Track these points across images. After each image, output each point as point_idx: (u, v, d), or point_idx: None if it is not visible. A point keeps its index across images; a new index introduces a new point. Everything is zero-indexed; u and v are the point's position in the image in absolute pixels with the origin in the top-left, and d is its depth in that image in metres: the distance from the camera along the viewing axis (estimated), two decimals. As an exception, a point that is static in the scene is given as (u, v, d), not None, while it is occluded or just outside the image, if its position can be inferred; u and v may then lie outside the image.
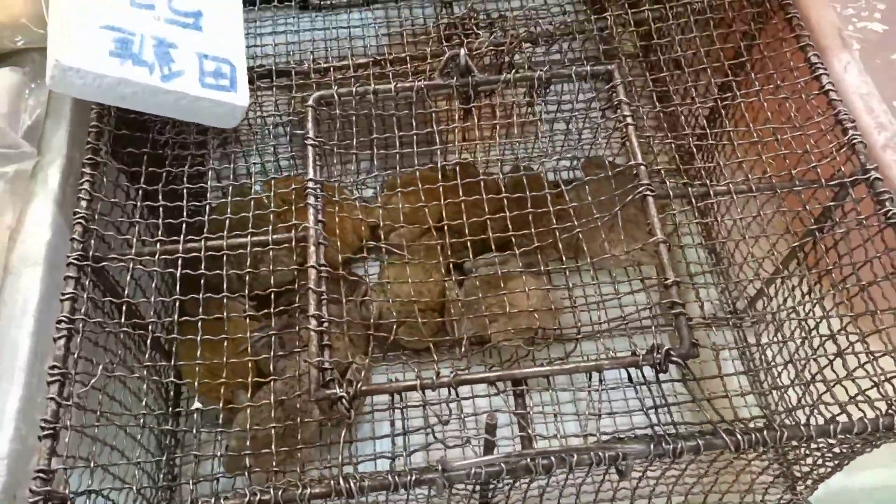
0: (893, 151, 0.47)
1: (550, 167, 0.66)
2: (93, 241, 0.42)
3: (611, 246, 0.60)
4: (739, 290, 0.60)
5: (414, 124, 0.50)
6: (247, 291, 0.43)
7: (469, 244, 0.49)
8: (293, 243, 0.44)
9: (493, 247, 0.51)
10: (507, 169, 0.65)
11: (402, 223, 0.59)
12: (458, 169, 0.57)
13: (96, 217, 0.43)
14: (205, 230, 0.45)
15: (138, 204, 0.48)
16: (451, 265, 0.61)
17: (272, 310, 0.45)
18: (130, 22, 0.46)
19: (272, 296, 0.46)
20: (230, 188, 0.50)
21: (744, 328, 0.61)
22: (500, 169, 0.62)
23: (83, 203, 0.42)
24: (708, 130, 0.51)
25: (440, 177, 0.51)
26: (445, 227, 0.53)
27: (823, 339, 0.45)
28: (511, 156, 0.66)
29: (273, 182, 0.59)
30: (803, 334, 0.48)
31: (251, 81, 0.52)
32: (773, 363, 0.55)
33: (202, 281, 0.44)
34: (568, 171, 0.68)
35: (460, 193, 0.49)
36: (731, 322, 0.61)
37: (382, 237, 0.60)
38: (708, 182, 0.47)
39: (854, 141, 0.47)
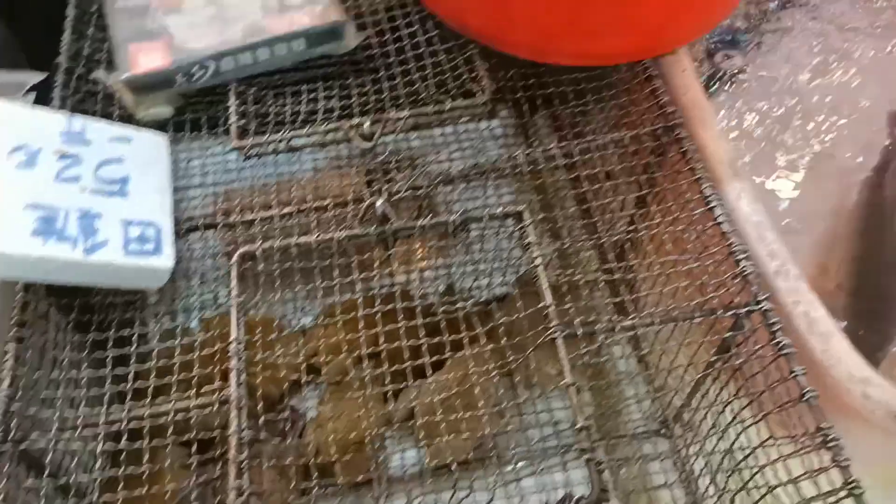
0: (784, 279, 0.51)
1: (483, 285, 0.68)
2: (15, 421, 0.43)
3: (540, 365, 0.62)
4: (664, 403, 0.62)
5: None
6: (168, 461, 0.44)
7: (407, 370, 0.50)
8: (216, 406, 0.46)
9: (431, 370, 0.53)
10: (440, 290, 0.68)
11: (339, 353, 0.60)
12: (393, 294, 0.59)
13: (18, 395, 0.44)
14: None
15: (67, 375, 0.49)
16: (388, 394, 0.63)
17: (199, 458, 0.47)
18: (55, 197, 0.48)
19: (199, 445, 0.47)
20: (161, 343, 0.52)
21: (674, 439, 0.63)
22: (434, 291, 0.64)
23: (5, 382, 0.44)
24: (616, 264, 0.54)
25: (376, 304, 0.53)
26: (383, 354, 0.55)
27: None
28: (444, 273, 0.69)
29: (208, 321, 0.61)
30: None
31: (180, 235, 0.54)
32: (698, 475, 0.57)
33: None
34: (500, 286, 0.70)
35: (397, 319, 0.51)
36: (661, 433, 0.63)
37: (320, 369, 0.62)
38: (612, 318, 0.50)
39: (746, 272, 0.50)
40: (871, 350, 0.59)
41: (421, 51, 0.65)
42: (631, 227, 0.54)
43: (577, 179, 0.57)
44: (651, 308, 0.51)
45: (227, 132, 0.59)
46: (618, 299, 0.57)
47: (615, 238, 0.53)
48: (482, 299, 0.66)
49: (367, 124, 0.57)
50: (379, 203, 0.52)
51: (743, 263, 0.50)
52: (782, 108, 0.73)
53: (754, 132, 0.72)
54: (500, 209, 0.53)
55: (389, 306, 0.52)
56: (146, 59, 0.58)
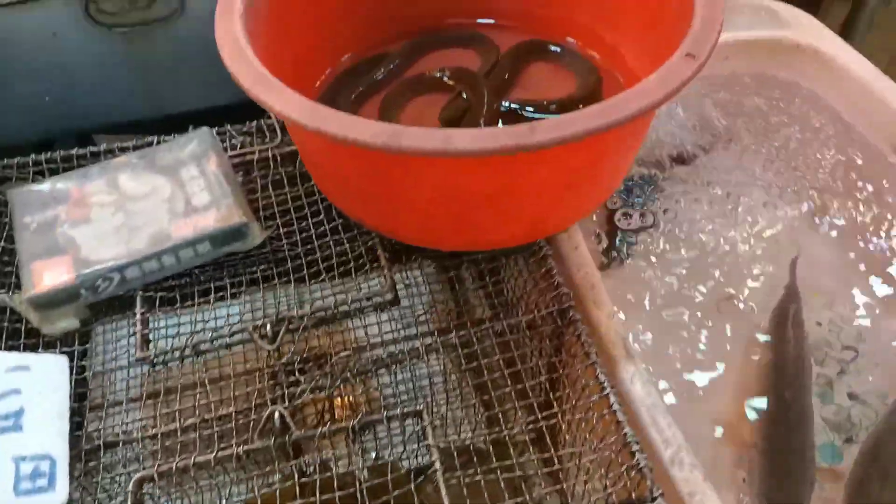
0: (679, 468, 0.51)
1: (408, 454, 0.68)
2: None
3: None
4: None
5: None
6: None
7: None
8: None
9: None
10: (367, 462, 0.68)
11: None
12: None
13: None
14: None
15: None
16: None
17: None
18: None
19: None
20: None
21: None
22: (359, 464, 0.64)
23: None
24: (516, 460, 0.55)
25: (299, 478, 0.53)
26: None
27: None
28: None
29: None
30: None
31: (81, 458, 0.54)
32: None
33: None
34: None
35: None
36: None
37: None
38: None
39: (640, 465, 0.51)
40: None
41: (326, 239, 0.67)
42: (531, 419, 0.55)
43: (478, 370, 0.58)
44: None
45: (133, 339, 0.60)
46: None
47: (515, 431, 0.54)
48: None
49: (268, 326, 0.59)
50: (277, 414, 0.52)
51: (637, 456, 0.51)
52: (681, 267, 0.76)
53: (658, 292, 0.74)
54: (398, 409, 0.54)
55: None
56: (50, 276, 0.59)
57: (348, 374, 0.58)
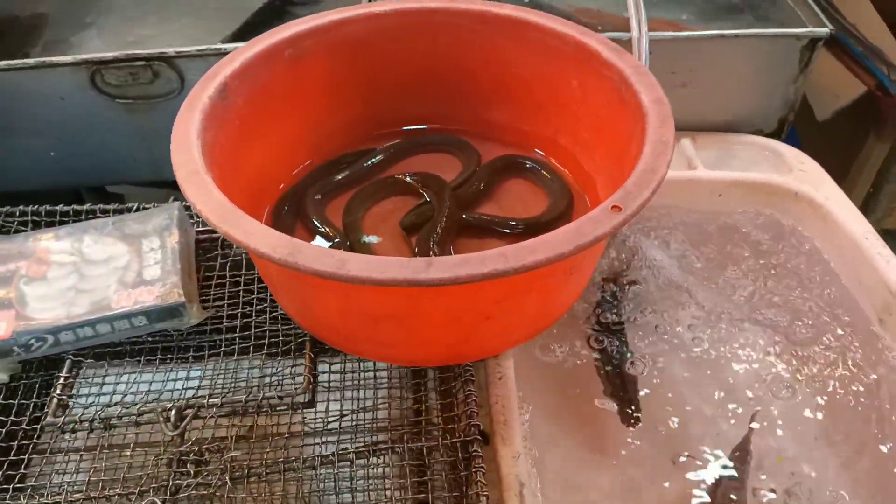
0: None
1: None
2: None
3: None
4: None
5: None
6: None
7: None
8: None
9: None
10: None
11: None
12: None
13: None
14: None
15: None
16: None
17: None
18: None
19: None
20: None
21: None
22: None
23: None
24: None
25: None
26: None
27: None
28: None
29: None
30: None
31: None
32: None
33: None
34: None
35: None
36: None
37: None
38: None
39: None
40: None
41: (264, 328, 0.68)
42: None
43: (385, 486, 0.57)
44: None
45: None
46: None
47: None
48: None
49: (174, 411, 0.60)
50: (148, 506, 0.53)
51: None
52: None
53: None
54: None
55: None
56: (-12, 329, 0.63)
57: (239, 475, 0.58)
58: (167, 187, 0.94)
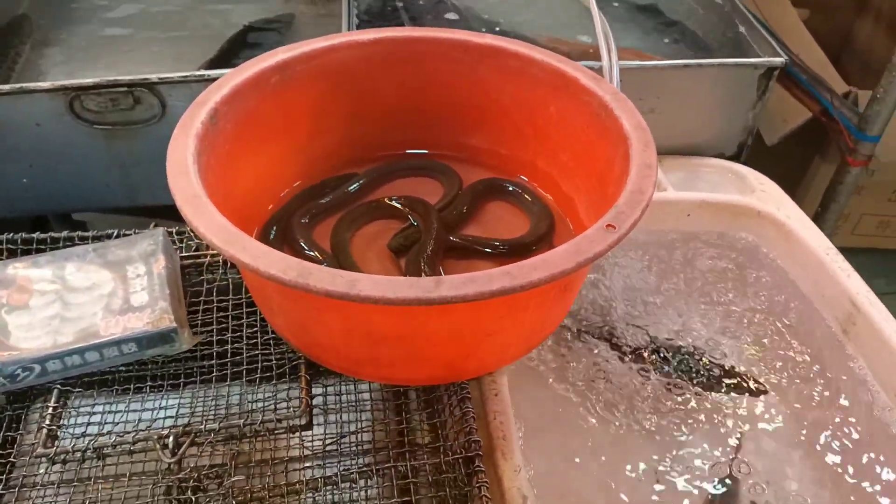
0: None
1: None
2: None
3: None
4: None
5: None
6: None
7: None
8: None
9: None
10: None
11: None
12: None
13: None
14: None
15: None
16: None
17: None
18: None
19: None
20: None
21: None
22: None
23: None
24: None
25: None
26: None
27: None
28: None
29: None
30: None
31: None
32: None
33: None
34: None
35: None
36: None
37: None
38: None
39: None
40: None
41: (255, 353, 0.68)
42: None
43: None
44: None
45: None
46: None
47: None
48: None
49: (171, 437, 0.59)
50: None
51: None
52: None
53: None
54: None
55: None
56: (-28, 360, 0.61)
57: (242, 500, 0.57)
58: (140, 214, 0.93)
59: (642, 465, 0.73)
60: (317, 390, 0.67)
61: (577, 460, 0.71)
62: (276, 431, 0.62)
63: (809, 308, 0.83)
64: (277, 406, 0.64)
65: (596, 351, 0.83)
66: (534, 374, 0.79)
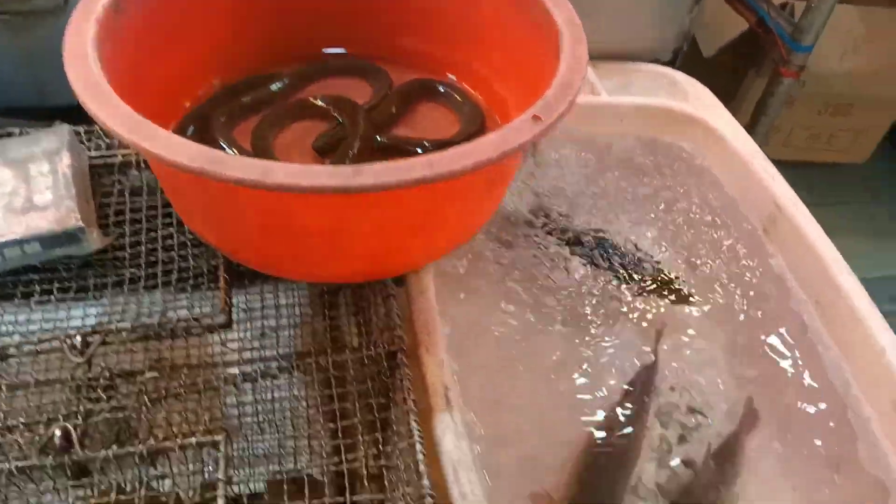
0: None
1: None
2: None
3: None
4: None
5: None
6: None
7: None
8: None
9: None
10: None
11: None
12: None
13: None
14: None
15: None
16: None
17: None
18: None
19: None
20: None
21: None
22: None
23: None
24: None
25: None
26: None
27: None
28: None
29: None
30: None
31: None
32: None
33: None
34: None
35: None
36: None
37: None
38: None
39: (431, 523, 0.50)
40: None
41: (172, 253, 0.65)
42: (352, 457, 0.54)
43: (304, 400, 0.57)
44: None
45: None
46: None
47: (314, 470, 0.53)
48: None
49: (79, 337, 0.57)
50: (59, 431, 0.50)
51: (429, 510, 0.50)
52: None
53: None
54: (194, 438, 0.52)
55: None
56: None
57: (156, 396, 0.56)
58: (54, 117, 0.87)
59: (564, 357, 0.74)
60: (240, 295, 0.65)
61: (503, 353, 0.71)
62: (193, 331, 0.60)
63: (734, 209, 0.84)
64: (195, 306, 0.62)
65: (525, 246, 0.83)
66: (465, 269, 0.79)
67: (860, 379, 0.67)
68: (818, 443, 0.70)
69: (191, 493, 0.51)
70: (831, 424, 0.70)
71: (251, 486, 0.63)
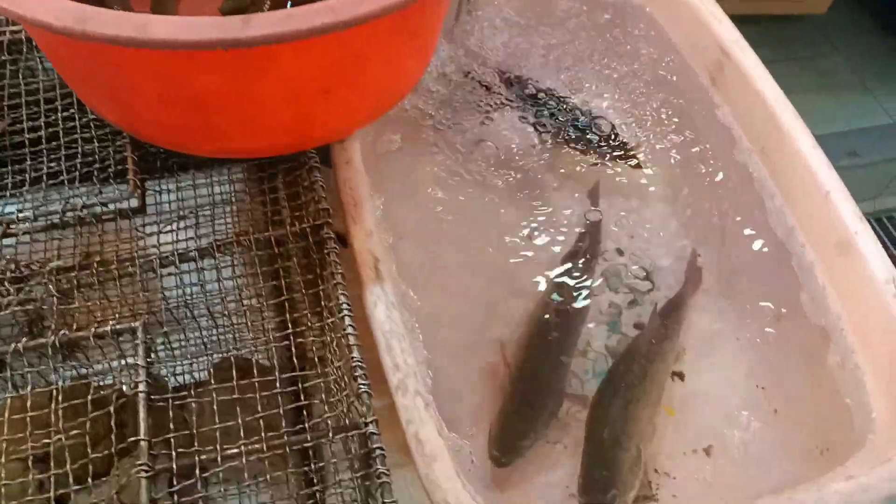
0: (403, 394, 0.50)
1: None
2: None
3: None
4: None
5: None
6: None
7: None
8: None
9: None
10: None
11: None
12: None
13: None
14: None
15: None
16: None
17: None
18: None
19: None
20: None
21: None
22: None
23: None
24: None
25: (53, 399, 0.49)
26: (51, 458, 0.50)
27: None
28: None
29: None
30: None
31: None
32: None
33: None
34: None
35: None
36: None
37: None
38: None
39: (360, 391, 0.48)
40: (517, 438, 0.59)
41: (75, 136, 0.60)
42: (281, 334, 0.52)
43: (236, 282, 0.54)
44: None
45: None
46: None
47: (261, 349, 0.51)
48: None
49: (-22, 228, 0.53)
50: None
51: (359, 381, 0.48)
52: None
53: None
54: (109, 326, 0.49)
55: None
56: None
57: (68, 287, 0.52)
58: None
59: (507, 223, 0.72)
60: (170, 183, 0.61)
61: (442, 223, 0.69)
62: (104, 217, 0.56)
63: (681, 60, 0.80)
64: (104, 192, 0.57)
65: (465, 111, 0.79)
66: (400, 143, 0.75)
67: (805, 224, 0.66)
68: (762, 293, 0.70)
69: (114, 383, 0.49)
70: (774, 274, 0.69)
71: (196, 375, 0.62)
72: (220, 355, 0.57)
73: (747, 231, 0.71)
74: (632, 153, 0.78)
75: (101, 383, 0.50)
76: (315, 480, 0.52)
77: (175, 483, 0.45)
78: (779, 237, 0.68)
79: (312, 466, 0.52)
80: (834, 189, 0.63)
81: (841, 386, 0.60)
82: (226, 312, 0.57)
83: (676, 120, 0.78)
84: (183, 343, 0.59)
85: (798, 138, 0.65)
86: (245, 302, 0.57)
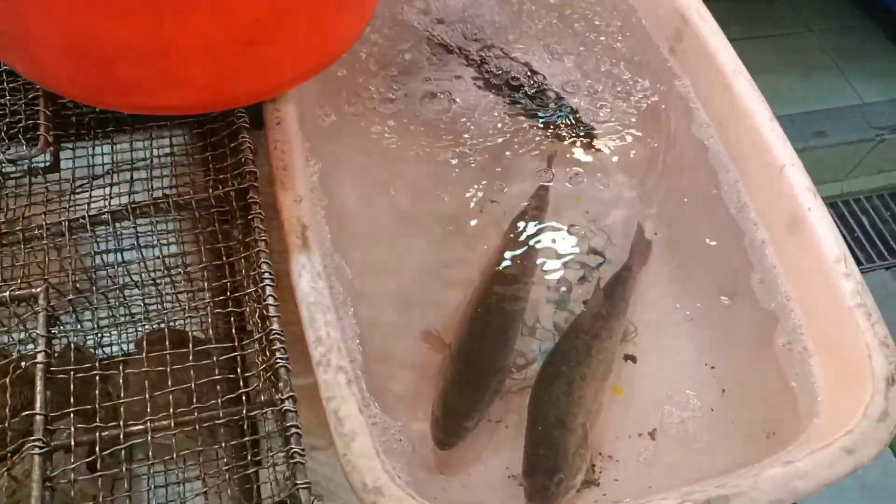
0: (325, 370, 0.47)
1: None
2: None
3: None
4: None
5: None
6: None
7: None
8: None
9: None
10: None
11: None
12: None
13: None
14: None
15: None
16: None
17: None
18: None
19: None
20: None
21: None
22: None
23: None
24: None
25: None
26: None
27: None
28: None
29: None
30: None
31: None
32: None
33: None
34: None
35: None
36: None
37: None
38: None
39: (277, 365, 0.45)
40: (461, 419, 0.57)
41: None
42: (203, 303, 0.48)
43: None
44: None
45: None
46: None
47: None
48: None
49: None
50: None
51: (277, 356, 0.45)
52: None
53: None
54: (8, 293, 0.46)
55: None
56: None
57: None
58: None
59: (453, 193, 0.70)
60: (102, 146, 0.57)
61: (382, 191, 0.66)
62: (12, 175, 0.52)
63: (641, 31, 0.77)
64: (10, 148, 0.53)
65: (416, 76, 0.76)
66: (349, 107, 0.72)
67: (757, 200, 0.64)
68: (715, 271, 0.68)
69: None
70: (727, 253, 0.67)
71: (124, 347, 0.58)
72: (148, 326, 0.54)
73: (701, 207, 0.68)
74: (592, 133, 0.76)
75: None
76: (248, 457, 0.49)
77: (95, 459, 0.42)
78: (731, 213, 0.65)
79: (248, 443, 0.49)
80: (789, 164, 0.61)
81: (787, 368, 0.59)
82: (151, 281, 0.54)
83: (633, 90, 0.76)
84: (109, 313, 0.55)
85: (754, 110, 0.62)
86: (169, 271, 0.54)
